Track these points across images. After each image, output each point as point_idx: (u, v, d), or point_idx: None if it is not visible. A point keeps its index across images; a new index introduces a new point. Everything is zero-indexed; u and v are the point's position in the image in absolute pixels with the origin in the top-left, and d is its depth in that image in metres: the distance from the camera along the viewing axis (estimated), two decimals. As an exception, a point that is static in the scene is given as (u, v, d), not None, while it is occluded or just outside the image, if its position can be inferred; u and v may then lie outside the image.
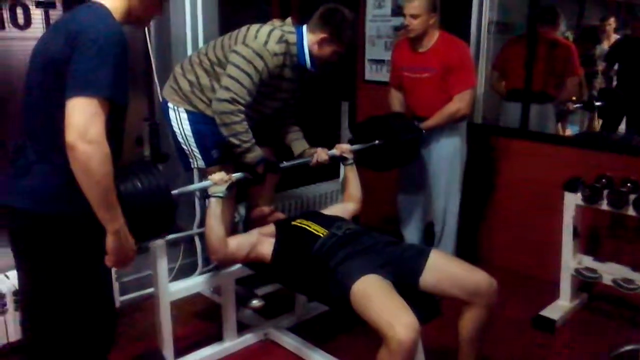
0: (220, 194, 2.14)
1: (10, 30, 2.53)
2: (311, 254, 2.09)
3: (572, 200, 2.74)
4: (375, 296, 1.83)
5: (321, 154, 2.52)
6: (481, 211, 3.54)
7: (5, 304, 2.27)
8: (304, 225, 2.22)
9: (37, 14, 2.56)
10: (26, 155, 1.55)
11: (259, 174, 2.32)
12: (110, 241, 1.51)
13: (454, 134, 2.98)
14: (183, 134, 2.38)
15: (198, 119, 2.35)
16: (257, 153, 2.30)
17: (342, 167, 2.73)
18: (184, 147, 2.40)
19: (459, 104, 2.87)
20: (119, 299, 2.71)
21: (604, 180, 2.71)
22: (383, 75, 3.76)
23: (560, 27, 3.77)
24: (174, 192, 1.96)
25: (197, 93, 2.34)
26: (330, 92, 3.68)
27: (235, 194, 2.53)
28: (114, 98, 1.43)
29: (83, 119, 1.37)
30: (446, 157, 2.99)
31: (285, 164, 2.46)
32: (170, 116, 2.39)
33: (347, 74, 3.96)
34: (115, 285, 2.66)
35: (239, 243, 2.21)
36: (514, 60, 3.54)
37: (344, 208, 2.52)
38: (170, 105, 2.39)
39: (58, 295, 1.62)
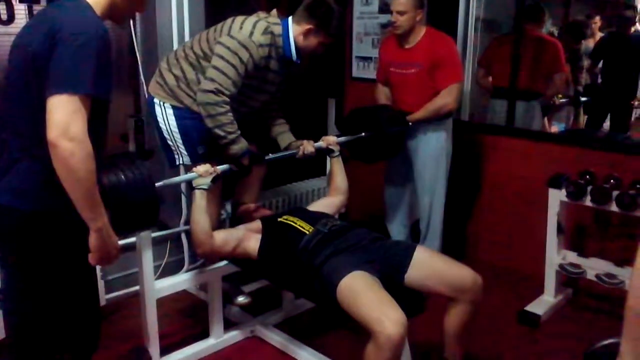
0: (205, 186, 2.13)
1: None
2: (297, 251, 2.09)
3: (556, 197, 2.76)
4: (362, 292, 1.84)
5: (307, 146, 2.52)
6: (468, 208, 3.56)
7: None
8: (289, 222, 2.22)
9: (20, 9, 2.53)
10: (10, 151, 1.53)
11: (245, 166, 2.31)
12: (93, 239, 1.50)
13: (440, 129, 2.99)
14: (169, 130, 2.36)
15: (184, 115, 2.34)
16: (242, 145, 2.29)
17: (328, 160, 2.73)
18: (170, 143, 2.39)
19: (446, 98, 2.88)
20: (105, 297, 2.70)
21: (587, 176, 2.74)
22: (370, 72, 3.75)
23: (546, 24, 3.80)
24: (158, 184, 1.96)
25: (183, 87, 2.33)
26: (317, 88, 3.68)
27: (222, 191, 2.52)
28: (96, 94, 1.42)
29: (64, 117, 1.35)
30: (432, 153, 3.00)
31: (271, 156, 2.46)
32: (156, 112, 2.38)
33: (334, 71, 3.95)
34: (101, 283, 2.66)
35: (225, 237, 2.21)
36: (500, 58, 3.57)
37: (331, 202, 2.52)
38: (156, 100, 2.37)
39: (41, 292, 1.61)
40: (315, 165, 2.76)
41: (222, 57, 2.19)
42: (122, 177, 1.72)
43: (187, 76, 2.32)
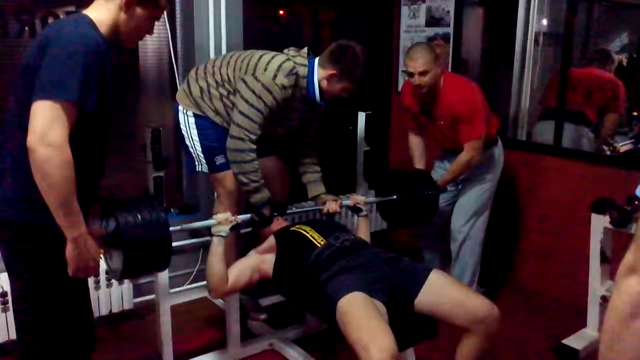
0: (223, 234, 2.13)
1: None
2: (307, 263, 2.05)
3: (599, 223, 2.56)
4: (356, 315, 1.77)
5: (332, 205, 2.47)
6: (511, 231, 3.39)
7: (7, 302, 2.34)
8: (302, 231, 2.20)
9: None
10: (3, 161, 1.55)
11: (265, 216, 2.31)
12: (69, 249, 1.49)
13: (487, 180, 2.96)
14: (190, 137, 2.40)
15: (205, 124, 2.37)
16: (264, 194, 2.30)
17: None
18: (191, 150, 2.42)
19: (471, 152, 2.77)
20: (133, 301, 2.77)
21: (637, 202, 2.52)
22: (416, 86, 3.68)
23: (611, 67, 3.53)
24: (175, 228, 1.96)
25: (206, 100, 2.36)
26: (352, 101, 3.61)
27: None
28: (80, 102, 1.42)
29: (44, 122, 1.37)
30: (476, 187, 2.97)
31: (294, 209, 2.42)
32: (180, 119, 2.42)
33: (369, 84, 3.86)
34: (129, 287, 2.73)
35: (238, 273, 2.18)
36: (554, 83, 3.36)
37: None
38: (180, 108, 2.42)
39: (32, 299, 1.62)
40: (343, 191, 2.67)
41: (247, 101, 2.22)
42: (138, 217, 1.71)
43: (211, 91, 2.35)
